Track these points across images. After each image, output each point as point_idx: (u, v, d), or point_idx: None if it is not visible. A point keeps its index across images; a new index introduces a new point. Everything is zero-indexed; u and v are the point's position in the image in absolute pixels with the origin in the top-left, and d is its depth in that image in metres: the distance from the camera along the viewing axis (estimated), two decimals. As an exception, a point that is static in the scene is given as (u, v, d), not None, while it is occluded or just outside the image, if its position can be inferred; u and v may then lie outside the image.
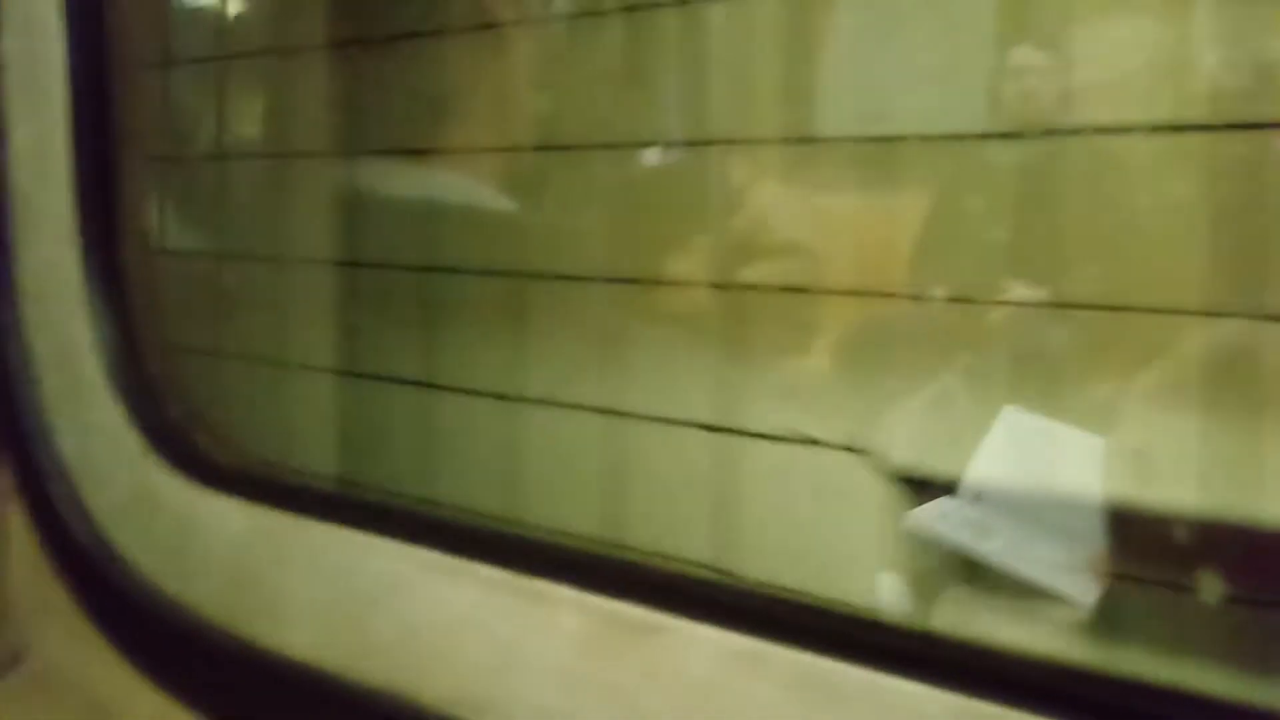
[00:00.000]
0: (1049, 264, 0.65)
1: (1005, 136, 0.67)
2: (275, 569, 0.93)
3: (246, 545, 0.96)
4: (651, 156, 0.83)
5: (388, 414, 0.99)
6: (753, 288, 0.78)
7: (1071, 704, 0.56)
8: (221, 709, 0.95)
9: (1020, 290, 0.66)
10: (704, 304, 0.80)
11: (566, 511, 0.83)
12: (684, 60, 0.81)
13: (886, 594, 0.69)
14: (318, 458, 1.04)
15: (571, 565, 0.75)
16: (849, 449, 0.72)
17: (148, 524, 1.05)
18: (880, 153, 0.72)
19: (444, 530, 0.86)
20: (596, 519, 0.82)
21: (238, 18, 1.21)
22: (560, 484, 0.86)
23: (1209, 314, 0.60)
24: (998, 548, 0.66)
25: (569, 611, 0.73)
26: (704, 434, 0.77)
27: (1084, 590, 0.64)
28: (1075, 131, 0.64)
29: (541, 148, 0.90)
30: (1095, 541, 0.64)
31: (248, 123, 1.15)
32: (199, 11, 1.25)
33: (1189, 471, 0.60)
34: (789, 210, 0.77)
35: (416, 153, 0.98)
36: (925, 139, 0.70)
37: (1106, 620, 0.63)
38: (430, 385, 0.94)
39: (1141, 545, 0.63)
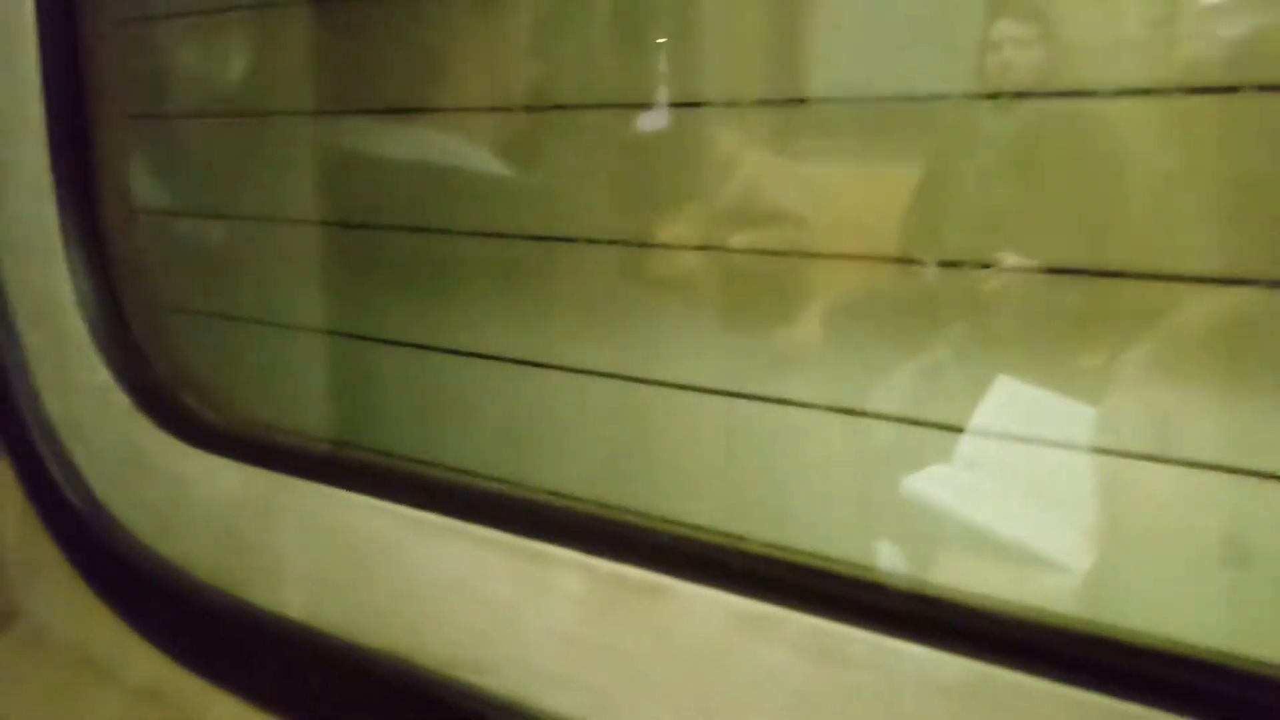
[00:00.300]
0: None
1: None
2: (268, 530, 0.91)
3: (239, 506, 0.94)
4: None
5: (377, 375, 0.97)
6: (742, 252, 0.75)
7: (1084, 668, 0.55)
8: (215, 668, 0.94)
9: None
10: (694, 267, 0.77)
11: (565, 475, 0.81)
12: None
13: (881, 558, 0.68)
14: (309, 420, 1.01)
15: (573, 526, 0.74)
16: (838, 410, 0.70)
17: (138, 484, 1.04)
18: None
19: (440, 491, 0.84)
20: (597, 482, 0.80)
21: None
22: (557, 444, 0.84)
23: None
24: (988, 512, 0.65)
25: (570, 573, 0.71)
26: (700, 396, 0.75)
27: (1072, 554, 0.62)
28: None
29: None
30: (1084, 506, 0.62)
31: (231, 79, 1.11)
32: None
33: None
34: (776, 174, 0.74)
35: (403, 111, 0.95)
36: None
37: (1097, 583, 0.62)
38: (423, 347, 0.91)
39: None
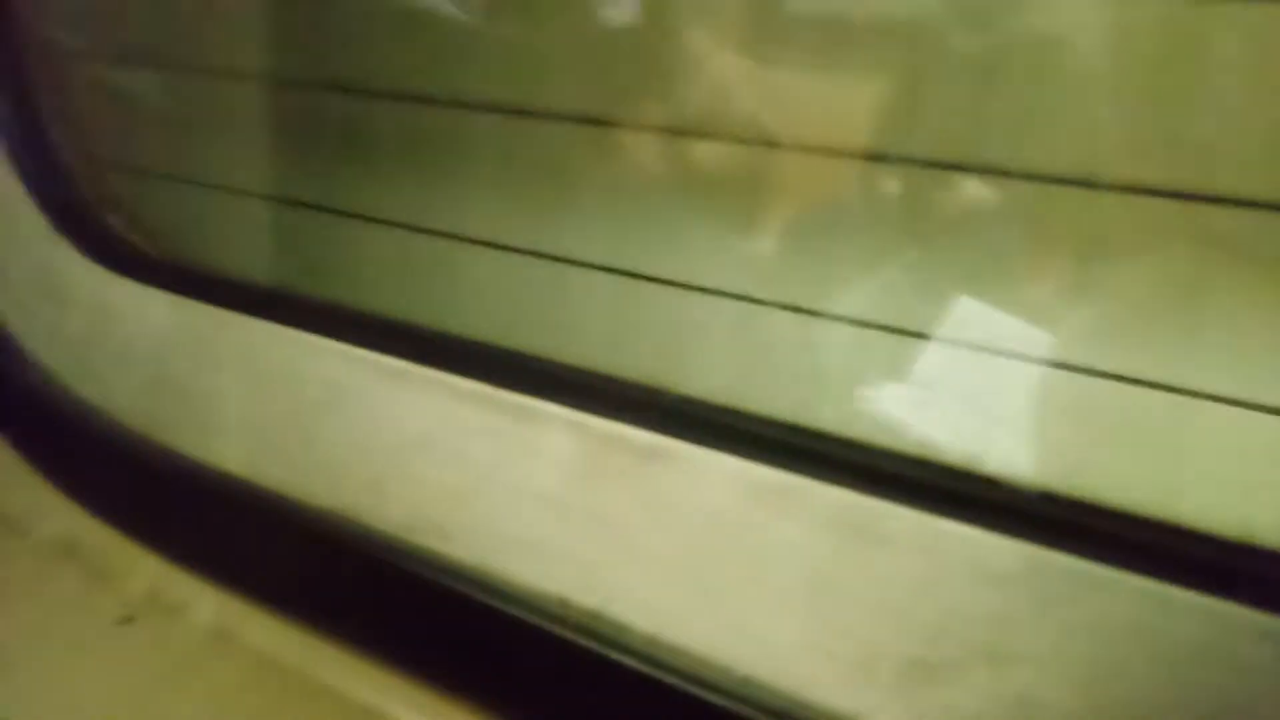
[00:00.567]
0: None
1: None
2: (204, 371, 0.80)
3: (171, 343, 0.83)
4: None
5: (313, 238, 0.84)
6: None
7: (1143, 553, 0.49)
8: (138, 524, 0.84)
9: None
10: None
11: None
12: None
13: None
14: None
15: (566, 381, 0.65)
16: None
17: (56, 316, 0.92)
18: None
19: (409, 335, 0.74)
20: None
21: None
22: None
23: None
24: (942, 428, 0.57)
25: (559, 431, 0.62)
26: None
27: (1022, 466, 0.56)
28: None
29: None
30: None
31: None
32: None
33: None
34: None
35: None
36: None
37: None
38: (360, 216, 0.79)
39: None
